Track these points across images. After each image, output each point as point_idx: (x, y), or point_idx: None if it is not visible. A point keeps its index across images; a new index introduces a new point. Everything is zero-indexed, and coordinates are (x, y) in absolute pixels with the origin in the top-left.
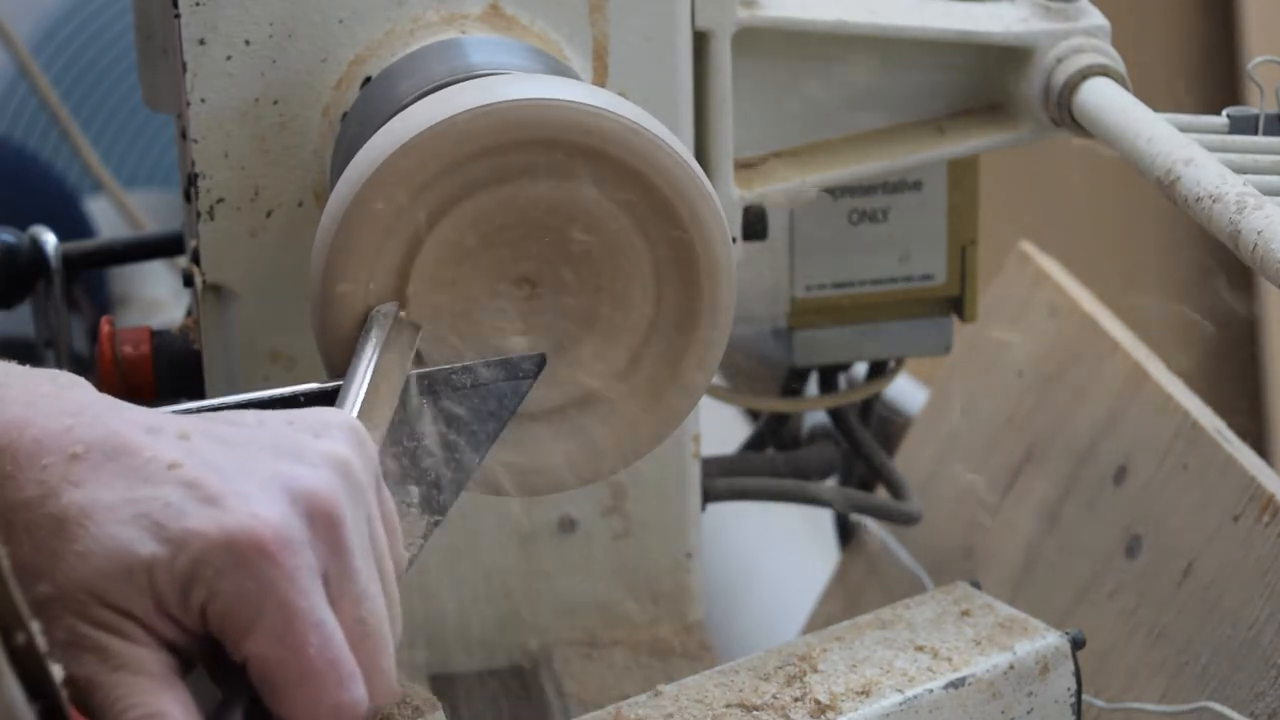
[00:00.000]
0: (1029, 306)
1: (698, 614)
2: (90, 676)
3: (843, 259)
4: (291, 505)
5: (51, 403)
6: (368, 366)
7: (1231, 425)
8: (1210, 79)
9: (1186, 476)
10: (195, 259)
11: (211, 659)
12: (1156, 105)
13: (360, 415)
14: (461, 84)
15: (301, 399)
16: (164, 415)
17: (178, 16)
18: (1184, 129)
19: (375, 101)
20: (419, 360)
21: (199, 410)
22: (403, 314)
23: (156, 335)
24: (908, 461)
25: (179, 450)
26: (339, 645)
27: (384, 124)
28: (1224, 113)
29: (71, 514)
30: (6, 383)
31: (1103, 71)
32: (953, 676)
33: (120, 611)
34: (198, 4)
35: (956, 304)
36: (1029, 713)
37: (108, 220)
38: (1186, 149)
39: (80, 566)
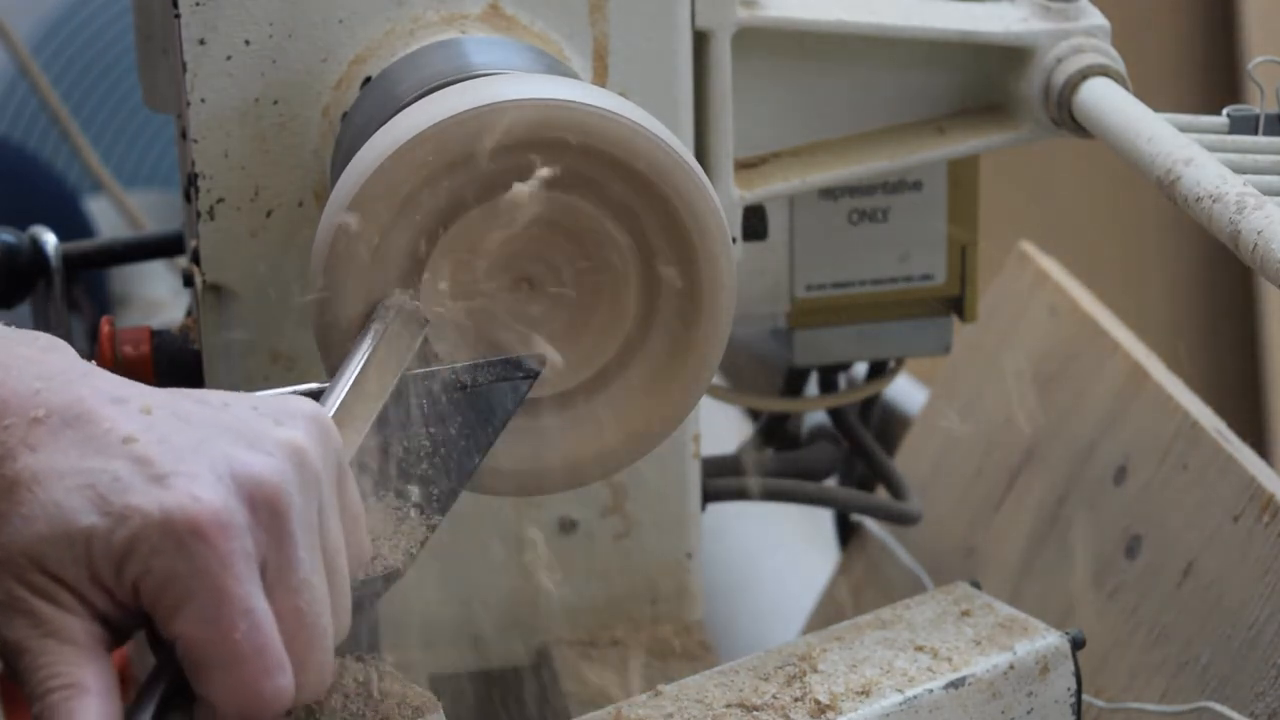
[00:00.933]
0: (1029, 306)
1: (698, 614)
2: (19, 640)
3: (843, 259)
4: (235, 490)
5: (27, 365)
6: (359, 361)
7: (1231, 425)
8: (1210, 79)
9: (1186, 476)
10: (195, 259)
11: (151, 632)
12: (1156, 105)
13: (340, 408)
14: (461, 84)
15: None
16: (134, 386)
17: (178, 16)
18: (1184, 129)
19: (375, 101)
20: (424, 357)
21: None
22: (408, 307)
23: (156, 335)
24: (908, 461)
25: (138, 424)
26: (268, 633)
27: (384, 124)
28: (1224, 113)
29: (24, 478)
30: None
31: (1103, 71)
32: (953, 676)
33: (55, 578)
34: (198, 4)
35: (956, 304)
36: (1029, 713)
37: (108, 220)
38: (1186, 149)
39: (23, 530)
